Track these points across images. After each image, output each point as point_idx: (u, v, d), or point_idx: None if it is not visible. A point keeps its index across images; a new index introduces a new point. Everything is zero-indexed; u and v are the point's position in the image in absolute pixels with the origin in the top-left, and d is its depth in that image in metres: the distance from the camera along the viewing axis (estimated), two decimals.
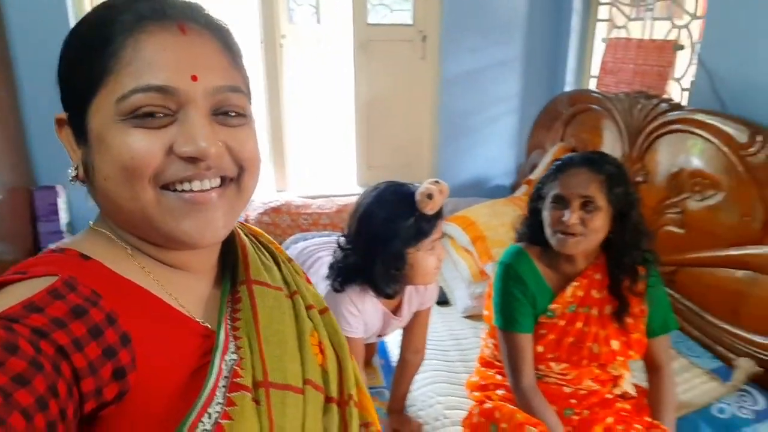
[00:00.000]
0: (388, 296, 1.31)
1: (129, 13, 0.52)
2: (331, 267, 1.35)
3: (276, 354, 0.63)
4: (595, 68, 2.71)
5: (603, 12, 2.68)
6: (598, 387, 1.36)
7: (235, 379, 0.58)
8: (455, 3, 2.72)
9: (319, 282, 1.39)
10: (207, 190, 0.56)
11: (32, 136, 2.39)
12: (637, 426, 1.26)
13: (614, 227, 1.27)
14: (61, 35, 0.56)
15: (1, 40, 2.23)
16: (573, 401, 1.36)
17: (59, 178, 2.42)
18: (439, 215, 1.24)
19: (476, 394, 1.48)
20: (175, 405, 0.53)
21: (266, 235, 0.80)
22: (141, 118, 0.52)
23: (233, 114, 0.57)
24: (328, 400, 0.68)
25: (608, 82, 2.43)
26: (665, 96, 2.10)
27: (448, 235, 2.40)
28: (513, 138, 3.06)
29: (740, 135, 1.66)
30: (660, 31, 2.27)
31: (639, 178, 2.08)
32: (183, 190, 0.55)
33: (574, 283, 1.33)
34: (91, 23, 0.54)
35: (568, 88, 2.83)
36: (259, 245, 0.76)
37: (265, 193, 2.84)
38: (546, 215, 1.31)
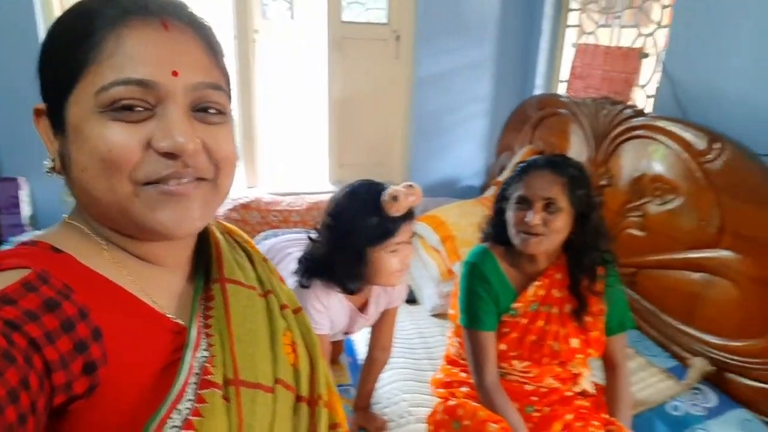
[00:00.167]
0: (351, 292, 1.32)
1: (112, 7, 0.52)
2: (300, 261, 1.36)
3: (248, 353, 0.63)
4: (564, 73, 2.76)
5: (573, 18, 2.74)
6: (559, 385, 1.40)
7: (205, 377, 0.58)
8: (429, 3, 2.74)
9: (288, 277, 1.38)
10: (184, 183, 0.56)
11: None
12: (595, 423, 1.29)
13: (575, 228, 1.30)
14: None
15: None
16: (534, 398, 1.38)
17: (22, 170, 2.36)
18: (406, 218, 1.24)
19: (441, 391, 1.50)
20: (145, 400, 0.53)
21: (242, 233, 0.80)
22: (120, 111, 0.51)
23: (213, 111, 0.57)
24: (298, 399, 0.68)
25: (577, 87, 2.47)
26: (630, 102, 2.15)
27: (418, 234, 2.41)
28: (484, 139, 3.09)
29: (699, 142, 1.70)
30: (627, 38, 2.32)
31: (603, 182, 2.12)
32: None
33: (536, 283, 1.36)
34: (74, 15, 0.54)
35: (538, 91, 2.87)
36: (235, 243, 0.76)
37: (235, 189, 2.79)
38: (510, 215, 1.33)
